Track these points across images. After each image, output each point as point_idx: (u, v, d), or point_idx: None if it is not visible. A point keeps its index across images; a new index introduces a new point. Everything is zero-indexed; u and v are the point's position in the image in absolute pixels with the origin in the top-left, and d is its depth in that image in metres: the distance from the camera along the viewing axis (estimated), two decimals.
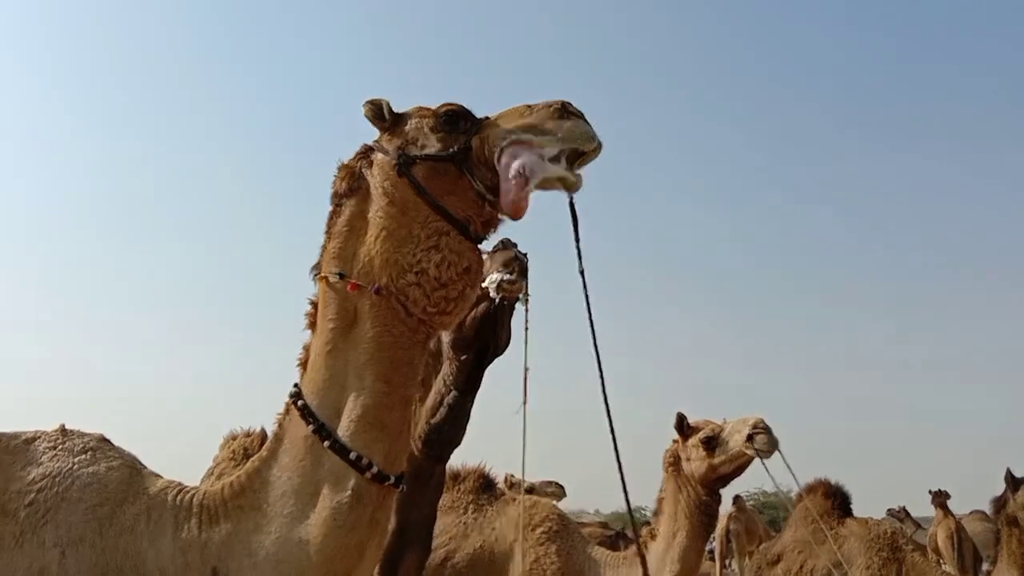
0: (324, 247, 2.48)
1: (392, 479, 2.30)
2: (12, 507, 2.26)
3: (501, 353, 3.65)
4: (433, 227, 2.35)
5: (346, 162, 2.54)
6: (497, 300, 3.43)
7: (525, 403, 3.58)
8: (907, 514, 15.96)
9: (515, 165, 2.33)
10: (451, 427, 3.61)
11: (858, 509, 7.64)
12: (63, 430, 2.49)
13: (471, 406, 3.66)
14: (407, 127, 2.49)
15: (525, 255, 3.52)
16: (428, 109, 2.51)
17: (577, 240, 2.50)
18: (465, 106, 2.47)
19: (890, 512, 16.11)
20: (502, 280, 3.40)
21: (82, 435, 2.49)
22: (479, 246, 2.45)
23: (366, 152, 2.51)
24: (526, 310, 3.53)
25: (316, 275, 2.50)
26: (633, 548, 5.79)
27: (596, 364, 2.59)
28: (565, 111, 2.39)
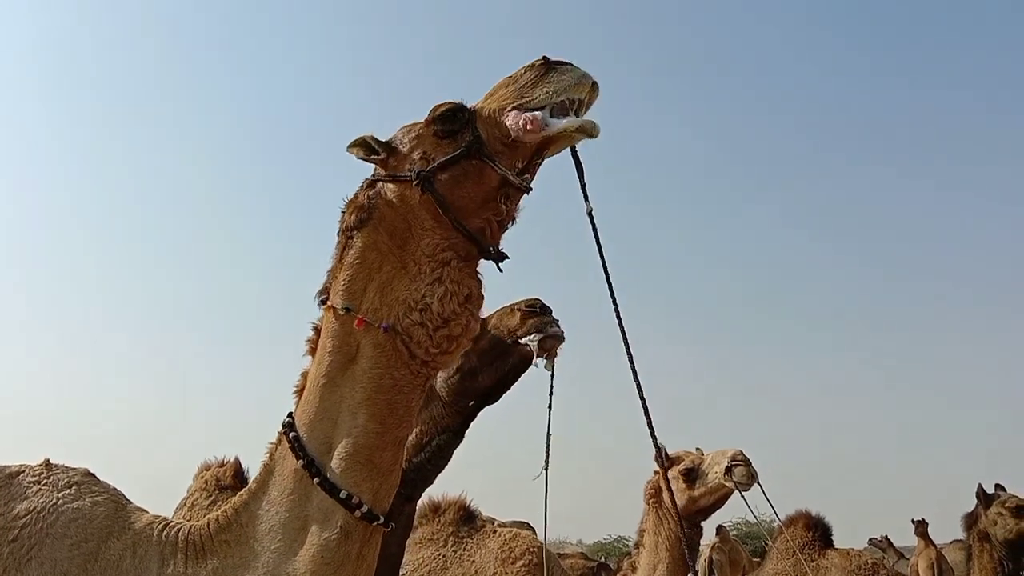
0: (334, 275, 2.44)
1: (381, 519, 2.28)
2: None
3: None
4: (439, 258, 2.31)
5: (354, 198, 2.48)
6: (536, 358, 3.44)
7: (546, 469, 3.58)
8: (889, 543, 16.00)
9: (525, 116, 2.29)
10: (433, 468, 3.60)
11: (841, 538, 7.70)
12: (47, 464, 2.48)
13: (455, 449, 3.65)
14: (406, 148, 2.42)
15: (558, 322, 3.52)
16: (416, 122, 2.46)
17: (583, 184, 2.46)
18: (457, 100, 2.40)
19: (872, 542, 16.13)
20: (546, 337, 3.42)
21: (67, 469, 2.47)
22: (495, 261, 2.42)
23: (372, 184, 2.46)
24: (551, 376, 3.51)
25: (322, 301, 2.45)
26: None
27: (614, 312, 2.52)
28: (550, 66, 2.33)
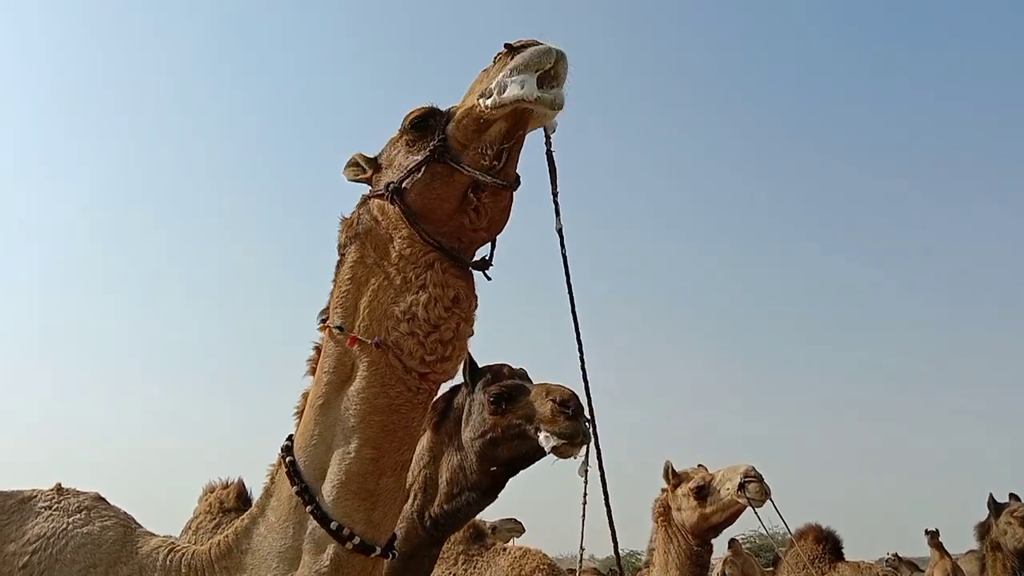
0: (332, 295, 2.44)
1: (378, 549, 2.21)
2: (6, 570, 2.29)
3: None
4: (422, 262, 2.26)
5: (347, 217, 2.49)
6: (548, 453, 3.36)
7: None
8: (900, 560, 15.82)
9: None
10: (464, 518, 3.59)
11: (857, 551, 7.66)
12: (59, 489, 2.52)
13: (486, 506, 3.62)
14: (388, 160, 2.43)
15: (588, 422, 3.30)
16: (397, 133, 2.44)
17: (555, 192, 2.39)
18: (429, 104, 2.35)
19: (888, 563, 15.93)
20: (564, 445, 3.32)
21: (77, 494, 2.52)
22: (478, 270, 2.36)
23: (364, 202, 2.46)
24: (585, 483, 3.34)
25: (322, 322, 2.44)
26: None
27: (574, 331, 2.47)
28: (512, 50, 2.21)
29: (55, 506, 2.45)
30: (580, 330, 2.47)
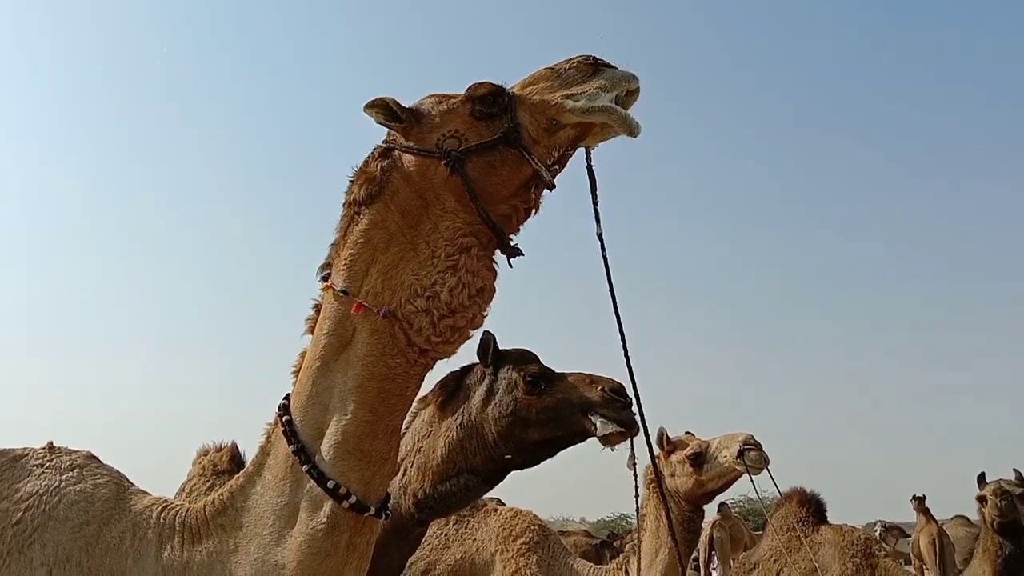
0: (337, 251, 2.35)
1: (372, 509, 2.22)
2: None
3: None
4: (458, 243, 2.22)
5: (364, 167, 2.36)
6: (599, 442, 3.33)
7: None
8: (886, 529, 16.06)
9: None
10: (455, 503, 3.50)
11: (844, 515, 7.76)
12: (51, 447, 2.51)
13: (482, 495, 3.56)
14: (435, 119, 2.30)
15: (635, 416, 3.30)
16: (451, 95, 2.34)
17: (595, 202, 2.41)
18: (498, 82, 2.30)
19: (881, 535, 16.18)
20: (617, 433, 3.29)
21: (69, 452, 2.50)
22: (509, 256, 2.35)
23: (385, 153, 2.33)
24: (635, 476, 3.38)
25: (323, 278, 2.37)
26: (616, 561, 5.86)
27: (619, 333, 2.48)
28: (597, 64, 2.26)
29: (47, 464, 2.43)
30: (624, 330, 2.48)
